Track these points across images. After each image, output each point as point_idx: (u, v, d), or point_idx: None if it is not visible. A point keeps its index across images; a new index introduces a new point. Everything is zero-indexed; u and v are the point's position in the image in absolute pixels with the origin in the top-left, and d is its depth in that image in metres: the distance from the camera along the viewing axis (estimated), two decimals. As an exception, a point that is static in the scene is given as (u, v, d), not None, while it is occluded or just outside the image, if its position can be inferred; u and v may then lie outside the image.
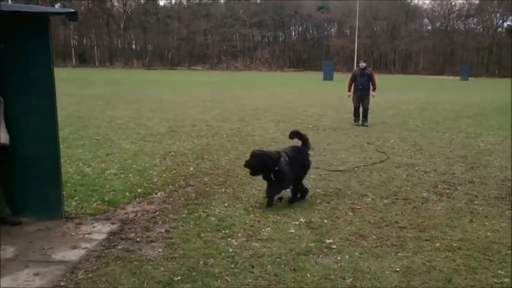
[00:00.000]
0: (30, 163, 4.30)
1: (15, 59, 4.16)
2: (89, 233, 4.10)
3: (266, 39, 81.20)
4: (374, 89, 12.01)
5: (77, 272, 3.34)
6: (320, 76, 42.95)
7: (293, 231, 4.22)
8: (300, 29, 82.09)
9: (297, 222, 4.45)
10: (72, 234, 4.09)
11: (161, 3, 78.53)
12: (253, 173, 4.96)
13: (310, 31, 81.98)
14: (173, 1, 79.07)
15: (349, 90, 12.26)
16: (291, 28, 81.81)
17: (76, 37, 74.27)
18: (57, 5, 64.61)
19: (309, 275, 3.35)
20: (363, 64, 12.17)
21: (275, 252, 3.72)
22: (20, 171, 4.32)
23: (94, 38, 74.07)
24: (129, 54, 75.80)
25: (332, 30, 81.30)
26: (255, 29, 76.79)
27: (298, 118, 12.95)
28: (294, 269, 3.44)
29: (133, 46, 79.65)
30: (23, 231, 4.11)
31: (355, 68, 15.85)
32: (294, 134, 5.46)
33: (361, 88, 11.92)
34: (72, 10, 4.10)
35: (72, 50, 71.00)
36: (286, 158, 4.99)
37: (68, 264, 3.46)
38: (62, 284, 3.17)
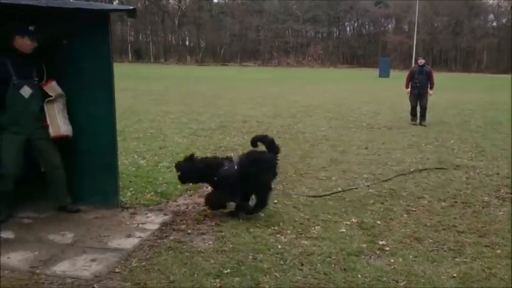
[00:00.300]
0: (90, 155, 4.47)
1: (77, 55, 4.32)
2: (143, 223, 4.23)
3: (319, 35, 79.94)
4: (431, 88, 11.54)
5: (131, 260, 3.45)
6: (375, 73, 41.76)
7: (344, 230, 4.12)
8: (356, 25, 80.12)
9: (348, 222, 4.35)
10: (127, 223, 4.23)
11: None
12: (182, 179, 4.46)
13: (366, 27, 79.80)
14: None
15: (407, 87, 11.86)
16: (346, 24, 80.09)
17: (132, 33, 76.95)
18: (116, 2, 67.26)
19: (360, 276, 3.26)
20: (421, 61, 11.73)
21: (325, 251, 3.65)
22: (80, 162, 4.51)
23: (149, 34, 76.51)
24: (183, 51, 77.59)
25: (389, 26, 78.81)
26: (308, 24, 75.97)
27: (352, 116, 12.68)
28: (345, 269, 3.36)
29: (187, 42, 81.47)
30: (81, 219, 4.30)
31: (413, 65, 15.27)
32: (256, 140, 4.61)
33: (419, 86, 11.50)
34: (132, 7, 4.19)
35: (129, 46, 73.64)
36: (235, 167, 4.33)
37: (123, 252, 3.59)
38: (117, 270, 3.28)
